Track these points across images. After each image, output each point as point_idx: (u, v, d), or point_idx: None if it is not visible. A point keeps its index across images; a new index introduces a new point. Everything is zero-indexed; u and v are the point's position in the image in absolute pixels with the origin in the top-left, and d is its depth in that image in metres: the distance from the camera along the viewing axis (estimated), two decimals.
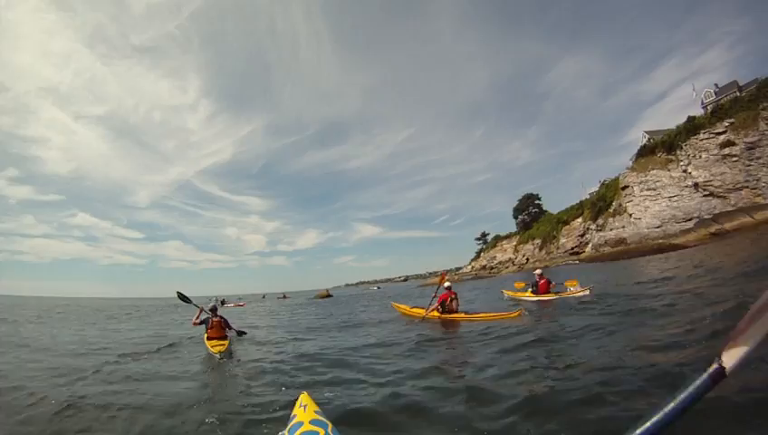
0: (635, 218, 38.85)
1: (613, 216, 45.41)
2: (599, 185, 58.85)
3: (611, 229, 41.39)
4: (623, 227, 40.07)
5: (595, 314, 7.99)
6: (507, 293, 16.44)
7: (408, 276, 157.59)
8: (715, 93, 44.98)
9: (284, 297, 46.26)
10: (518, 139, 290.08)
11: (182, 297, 9.94)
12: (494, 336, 6.95)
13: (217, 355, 7.38)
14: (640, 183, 39.50)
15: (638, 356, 4.56)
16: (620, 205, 42.32)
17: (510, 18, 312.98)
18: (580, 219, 55.46)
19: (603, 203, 49.34)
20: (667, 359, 4.23)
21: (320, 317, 15.64)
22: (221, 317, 8.63)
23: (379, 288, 67.31)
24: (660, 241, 34.74)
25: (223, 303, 30.81)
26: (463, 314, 9.81)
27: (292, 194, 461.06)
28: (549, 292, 13.22)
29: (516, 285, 16.84)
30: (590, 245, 42.90)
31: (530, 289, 13.90)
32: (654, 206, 37.76)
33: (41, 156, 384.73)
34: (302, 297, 45.41)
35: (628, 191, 40.70)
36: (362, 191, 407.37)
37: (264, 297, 53.55)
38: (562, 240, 56.81)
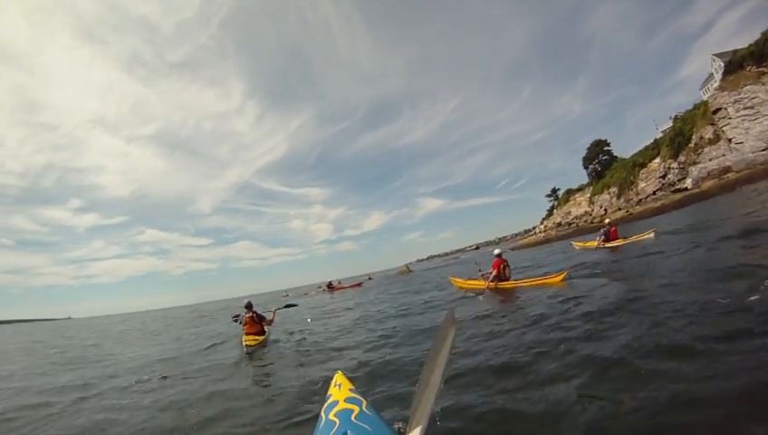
0: (736, 143, 35.75)
1: (695, 151, 42.09)
2: (671, 121, 54.99)
3: (710, 159, 38.37)
4: (723, 154, 37.05)
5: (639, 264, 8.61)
6: (577, 245, 17.39)
7: (478, 245, 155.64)
8: None
9: (370, 279, 42.13)
10: (567, 92, 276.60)
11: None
12: (536, 301, 7.21)
13: (245, 349, 7.51)
14: (735, 103, 36.14)
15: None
16: (702, 136, 38.95)
17: None
18: (657, 159, 51.82)
19: (682, 138, 45.98)
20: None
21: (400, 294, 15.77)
22: (254, 313, 8.78)
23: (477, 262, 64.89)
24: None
25: (329, 286, 28.65)
26: (513, 282, 9.75)
27: (351, 179, 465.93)
28: (618, 238, 14.18)
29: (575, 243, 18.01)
30: (688, 180, 39.89)
31: (602, 238, 14.87)
32: (755, 126, 34.49)
33: (99, 183, 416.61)
34: (380, 277, 43.63)
35: (721, 114, 37.41)
36: (420, 166, 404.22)
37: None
38: (641, 184, 53.57)
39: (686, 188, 39.15)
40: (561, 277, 8.39)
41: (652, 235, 12.81)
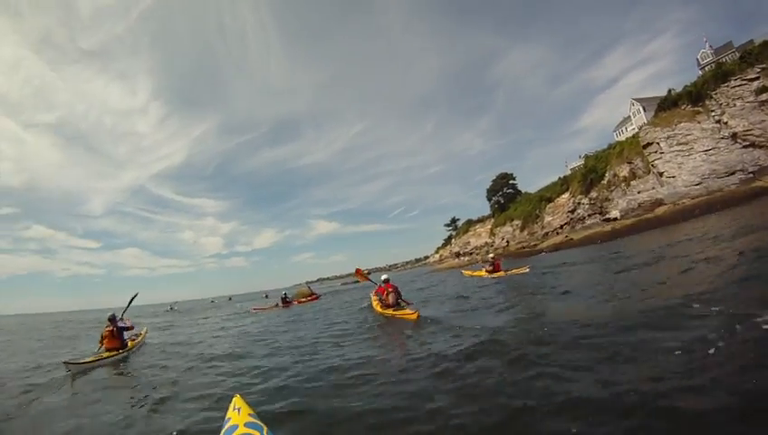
0: (668, 177, 35.12)
1: (608, 187, 42.31)
2: (582, 160, 56.57)
3: (639, 192, 37.44)
4: (653, 187, 36.25)
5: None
6: (467, 273, 19.99)
7: (369, 270, 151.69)
8: (712, 54, 44.20)
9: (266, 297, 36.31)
10: (470, 129, 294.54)
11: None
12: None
13: (68, 368, 6.66)
14: (668, 138, 35.94)
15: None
16: (617, 174, 38.48)
17: (460, 9, 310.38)
18: (566, 195, 52.15)
19: (595, 175, 46.27)
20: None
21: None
22: (114, 327, 8.19)
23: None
24: (706, 197, 31.12)
25: (284, 300, 23.91)
26: (391, 311, 9.64)
27: (246, 194, 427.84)
28: (500, 270, 16.23)
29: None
30: (616, 211, 38.55)
31: (486, 268, 17.10)
32: (689, 161, 34.28)
33: None
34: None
35: (653, 148, 37.02)
36: (317, 188, 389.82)
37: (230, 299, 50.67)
38: (548, 218, 53.35)
39: (615, 219, 37.88)
40: (416, 315, 8.58)
41: (527, 269, 15.15)
